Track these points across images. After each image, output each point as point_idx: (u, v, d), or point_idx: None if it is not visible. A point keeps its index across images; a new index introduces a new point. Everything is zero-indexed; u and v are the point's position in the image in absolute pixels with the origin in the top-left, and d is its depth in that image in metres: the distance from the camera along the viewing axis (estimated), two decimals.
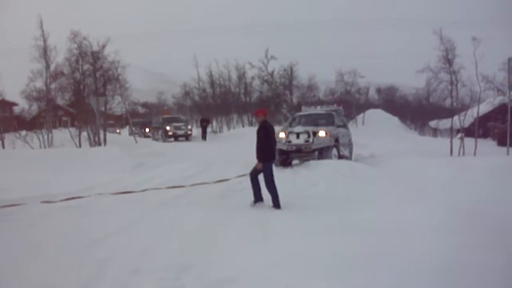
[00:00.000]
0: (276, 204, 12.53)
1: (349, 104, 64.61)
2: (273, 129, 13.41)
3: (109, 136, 37.86)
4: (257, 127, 13.31)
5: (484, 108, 45.88)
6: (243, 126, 58.71)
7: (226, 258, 7.86)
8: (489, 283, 6.71)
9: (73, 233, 9.83)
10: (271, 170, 12.99)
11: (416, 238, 8.87)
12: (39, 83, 36.51)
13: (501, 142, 40.66)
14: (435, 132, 71.77)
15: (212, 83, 60.96)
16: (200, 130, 46.45)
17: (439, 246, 8.25)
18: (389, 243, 8.50)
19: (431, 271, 7.05)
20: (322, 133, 20.25)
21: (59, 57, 36.04)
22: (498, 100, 35.88)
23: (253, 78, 60.38)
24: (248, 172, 18.35)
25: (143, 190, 15.38)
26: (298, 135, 20.54)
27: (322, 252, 8.01)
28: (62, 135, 36.02)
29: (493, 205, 11.92)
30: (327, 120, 22.70)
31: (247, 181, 16.51)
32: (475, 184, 15.00)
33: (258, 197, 12.97)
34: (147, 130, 54.50)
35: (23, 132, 35.33)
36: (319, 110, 25.05)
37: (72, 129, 35.84)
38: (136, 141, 36.36)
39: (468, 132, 39.13)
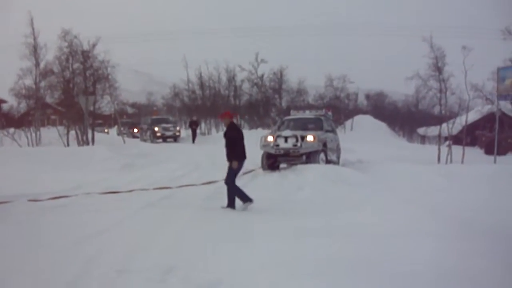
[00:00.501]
0: (231, 203, 12.92)
1: (338, 109, 64.68)
2: (241, 131, 13.71)
3: (97, 135, 37.85)
4: (225, 130, 13.64)
5: (473, 116, 46.01)
6: None
7: (211, 260, 7.87)
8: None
9: (59, 232, 9.83)
10: (239, 170, 13.35)
11: (401, 243, 8.91)
12: (29, 81, 36.50)
13: (489, 151, 40.83)
14: (423, 139, 71.92)
15: (202, 85, 60.94)
16: (190, 131, 46.22)
17: (424, 251, 8.30)
18: (374, 248, 8.53)
19: (416, 276, 7.08)
20: (310, 138, 20.28)
21: (49, 55, 36.05)
22: (486, 108, 36.25)
23: (243, 81, 60.26)
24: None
25: (130, 191, 15.38)
26: (286, 139, 20.55)
27: (306, 255, 8.05)
28: (50, 133, 35.96)
29: (480, 212, 12.01)
30: (315, 124, 22.74)
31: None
32: (462, 192, 15.12)
33: (245, 198, 12.94)
34: (135, 130, 54.41)
35: (11, 130, 35.21)
36: (308, 114, 25.04)
37: (61, 128, 35.73)
38: (124, 141, 36.33)
39: (456, 140, 39.29)
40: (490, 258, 7.88)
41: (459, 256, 7.98)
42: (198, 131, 46.23)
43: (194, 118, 47.54)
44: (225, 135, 13.36)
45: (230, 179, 12.97)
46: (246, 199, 12.88)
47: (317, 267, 7.41)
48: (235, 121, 14.39)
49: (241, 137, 13.13)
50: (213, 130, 61.37)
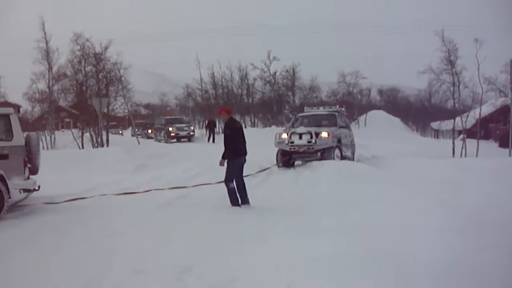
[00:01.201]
0: (233, 201, 12.84)
1: (351, 105, 64.59)
2: (241, 126, 13.67)
3: (112, 137, 37.92)
4: (225, 125, 13.40)
5: (486, 109, 45.87)
6: (245, 127, 58.64)
7: (228, 259, 7.87)
8: (490, 283, 6.71)
9: (75, 233, 9.88)
10: (236, 169, 13.03)
11: (417, 238, 8.87)
12: (42, 85, 36.74)
13: (503, 144, 40.68)
14: (437, 133, 71.70)
15: (215, 84, 60.88)
16: (206, 131, 46.08)
17: (440, 246, 8.26)
18: (390, 244, 8.50)
19: (433, 271, 7.06)
20: (324, 134, 20.29)
21: (61, 59, 36.26)
22: (500, 101, 36.05)
23: (255, 79, 60.27)
24: (250, 173, 18.45)
25: (146, 191, 15.40)
26: (300, 135, 20.56)
27: (323, 253, 8.01)
28: (64, 136, 36.14)
29: (495, 206, 11.92)
30: (329, 121, 22.75)
31: (250, 182, 16.58)
32: (477, 186, 15.01)
33: (234, 202, 12.87)
34: (149, 131, 54.50)
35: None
36: (321, 111, 25.05)
37: (75, 131, 35.86)
38: (138, 142, 36.39)
39: (470, 133, 39.18)
40: (503, 252, 7.85)
41: (473, 250, 7.93)
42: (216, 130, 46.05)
43: (212, 118, 47.35)
44: (224, 131, 13.31)
45: (228, 175, 12.87)
46: (234, 203, 12.80)
47: (334, 265, 7.39)
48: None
49: (235, 134, 12.98)
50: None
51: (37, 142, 13.68)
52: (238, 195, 12.88)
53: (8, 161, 12.16)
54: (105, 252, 8.30)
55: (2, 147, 12.16)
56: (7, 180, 11.76)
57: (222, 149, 12.89)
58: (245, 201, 12.96)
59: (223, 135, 13.29)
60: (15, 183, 12.22)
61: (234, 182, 12.88)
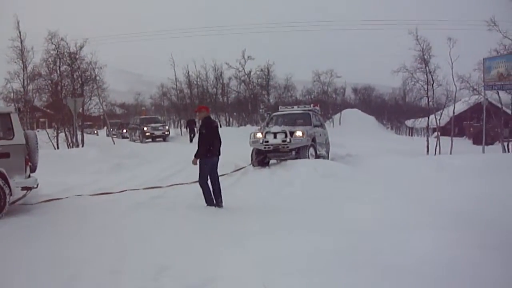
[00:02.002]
0: (208, 201, 12.83)
1: (326, 103, 64.86)
2: (216, 126, 13.57)
3: (87, 137, 37.78)
4: (200, 124, 13.47)
5: (460, 107, 46.17)
6: (220, 126, 58.62)
7: (204, 259, 7.93)
8: (471, 278, 6.82)
9: (50, 235, 9.87)
10: (208, 169, 12.92)
11: (394, 235, 9.01)
12: (17, 84, 36.39)
13: (476, 141, 41.13)
14: (412, 131, 72.20)
15: (190, 84, 60.65)
16: (187, 130, 45.72)
17: (418, 243, 8.39)
18: (365, 242, 8.62)
19: (410, 268, 7.17)
20: (299, 133, 20.36)
21: (36, 58, 35.96)
22: (473, 99, 36.28)
23: (230, 78, 60.25)
24: (226, 172, 18.50)
25: (121, 191, 15.38)
26: (275, 135, 20.63)
27: (299, 251, 8.11)
28: (39, 136, 35.75)
29: (470, 202, 12.07)
30: (304, 119, 22.87)
31: (225, 181, 16.67)
32: (451, 182, 15.15)
33: (209, 201, 12.85)
34: (124, 131, 54.37)
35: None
36: (296, 110, 25.17)
37: (50, 131, 35.60)
38: (113, 142, 36.27)
39: (444, 131, 39.52)
40: (482, 248, 7.97)
41: (453, 246, 8.07)
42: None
43: (192, 118, 47.12)
44: (199, 129, 13.32)
45: (201, 175, 12.82)
46: (210, 202, 12.79)
47: (310, 263, 7.49)
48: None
49: (211, 133, 12.87)
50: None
51: (35, 140, 13.72)
52: (213, 195, 12.84)
53: (9, 159, 12.23)
54: (81, 253, 8.32)
55: (3, 146, 12.22)
56: (8, 179, 11.81)
57: (196, 149, 12.88)
58: (218, 203, 12.85)
59: (199, 134, 13.15)
60: (17, 182, 12.27)
61: (209, 182, 12.85)
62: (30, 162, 13.13)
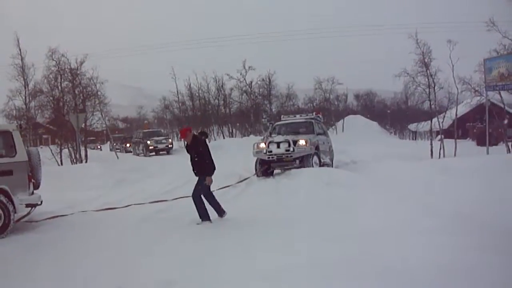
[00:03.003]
0: (204, 216, 12.45)
1: (328, 111, 64.85)
2: (202, 141, 13.18)
3: (90, 152, 37.75)
4: (190, 144, 12.87)
5: (462, 109, 46.30)
6: (223, 137, 58.60)
7: (209, 273, 7.90)
8: (477, 283, 6.78)
9: (56, 252, 9.86)
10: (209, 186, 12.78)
11: (401, 241, 8.97)
12: (19, 102, 36.46)
13: (480, 142, 41.05)
14: (415, 135, 72.18)
15: (191, 96, 60.60)
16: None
17: (426, 248, 8.35)
18: (373, 248, 8.58)
19: (420, 273, 7.12)
20: (302, 142, 20.33)
21: (37, 75, 36.03)
22: (475, 101, 36.33)
23: (232, 89, 60.17)
24: (230, 183, 18.43)
25: (126, 206, 15.39)
26: (278, 144, 20.62)
27: (305, 260, 8.08)
28: (43, 153, 35.76)
29: (476, 205, 12.03)
30: (306, 128, 22.84)
31: (230, 193, 16.62)
32: (457, 185, 15.10)
33: (205, 216, 12.44)
34: (128, 145, 54.37)
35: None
36: (298, 118, 25.14)
37: (53, 147, 35.62)
38: (117, 157, 36.29)
39: (447, 133, 39.47)
40: (486, 251, 7.93)
41: (455, 251, 8.03)
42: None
43: (204, 130, 46.57)
44: (191, 149, 12.83)
45: (198, 193, 12.57)
46: (206, 217, 12.39)
47: (318, 272, 7.46)
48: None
49: (208, 149, 12.80)
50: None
51: (38, 157, 13.73)
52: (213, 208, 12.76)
53: (12, 177, 12.25)
54: (87, 269, 8.31)
55: (6, 163, 12.24)
56: (12, 196, 11.82)
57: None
58: (221, 213, 12.81)
59: (194, 152, 12.72)
60: (21, 199, 12.28)
61: (203, 197, 12.65)
62: (33, 179, 13.14)
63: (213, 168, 12.70)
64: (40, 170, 13.76)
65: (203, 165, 12.61)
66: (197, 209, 12.51)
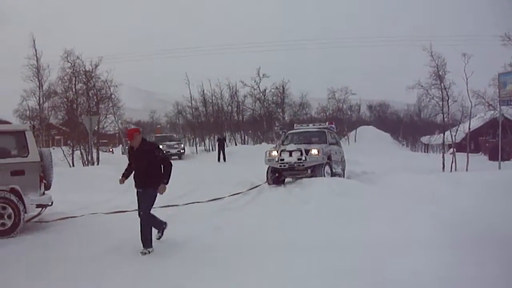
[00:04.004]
0: (160, 225, 11.13)
1: (341, 121, 64.79)
2: (157, 145, 11.82)
3: (102, 155, 37.87)
4: (137, 148, 10.75)
5: (475, 123, 46.11)
6: (235, 144, 58.67)
7: (221, 279, 7.90)
8: None
9: (65, 253, 9.89)
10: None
11: (411, 254, 8.93)
12: (32, 102, 36.69)
13: (493, 157, 40.87)
14: (427, 147, 71.99)
15: (205, 102, 60.71)
16: (216, 149, 43.28)
17: (436, 262, 8.31)
18: (381, 261, 8.55)
19: (429, 286, 7.10)
20: (314, 151, 20.29)
21: (52, 76, 36.21)
22: (489, 115, 36.27)
23: (245, 96, 60.37)
24: (242, 190, 18.42)
25: (136, 210, 15.41)
26: (290, 153, 20.57)
27: (315, 271, 8.08)
28: (55, 154, 35.93)
29: (489, 221, 11.96)
30: (319, 137, 22.81)
31: (241, 200, 16.62)
32: (468, 199, 15.03)
33: (160, 224, 11.12)
34: None
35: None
36: (311, 127, 25.12)
37: (65, 148, 35.75)
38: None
39: (460, 147, 39.32)
40: (499, 266, 7.89)
41: (469, 265, 7.99)
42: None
43: (222, 135, 45.55)
44: (139, 155, 10.70)
45: (148, 209, 10.69)
46: (160, 225, 11.09)
47: (327, 284, 7.45)
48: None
49: (158, 156, 10.89)
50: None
51: (50, 158, 13.81)
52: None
53: (24, 176, 12.35)
54: (96, 272, 8.32)
55: (18, 163, 12.35)
56: (23, 196, 11.88)
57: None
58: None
59: (141, 158, 10.64)
60: (32, 199, 12.36)
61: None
62: (44, 179, 13.21)
63: (169, 177, 10.87)
64: (52, 171, 13.83)
65: (155, 175, 10.71)
66: (155, 227, 10.90)
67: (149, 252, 10.02)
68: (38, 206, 12.80)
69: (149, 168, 10.58)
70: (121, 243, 10.78)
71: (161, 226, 11.11)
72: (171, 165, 11.01)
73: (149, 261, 9.24)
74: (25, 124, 13.44)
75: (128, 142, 11.12)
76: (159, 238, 11.00)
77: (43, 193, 13.09)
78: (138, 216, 10.63)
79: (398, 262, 8.37)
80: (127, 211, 15.24)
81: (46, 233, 12.07)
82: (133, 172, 10.96)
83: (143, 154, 10.60)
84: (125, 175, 11.31)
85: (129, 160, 11.39)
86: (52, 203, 13.16)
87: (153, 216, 10.87)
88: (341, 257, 8.83)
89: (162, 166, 10.82)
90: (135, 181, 10.87)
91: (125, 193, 20.10)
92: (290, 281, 7.59)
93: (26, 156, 12.45)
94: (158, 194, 10.73)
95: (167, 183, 10.77)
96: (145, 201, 10.65)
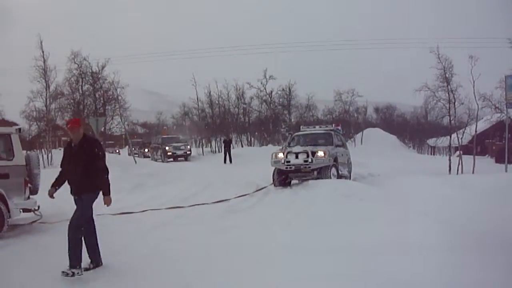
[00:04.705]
0: (98, 258, 9.14)
1: (347, 123, 64.71)
2: (99, 142, 9.74)
3: (109, 156, 37.88)
4: (77, 144, 9.03)
5: (482, 125, 45.86)
6: (242, 146, 58.71)
7: (226, 280, 7.91)
8: None
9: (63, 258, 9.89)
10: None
11: (416, 257, 8.92)
12: (39, 103, 36.77)
13: (499, 159, 40.75)
14: (434, 150, 71.82)
15: (211, 103, 60.78)
16: (222, 151, 43.61)
17: (441, 265, 8.31)
18: (389, 263, 8.55)
19: None
20: (321, 153, 20.26)
21: (59, 77, 36.29)
22: (495, 117, 36.10)
23: (252, 98, 60.43)
24: (248, 192, 18.42)
25: (143, 211, 15.43)
26: (297, 155, 20.54)
27: (318, 273, 8.08)
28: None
29: (494, 224, 11.95)
30: (325, 139, 22.79)
31: (247, 202, 16.62)
32: (474, 202, 15.02)
33: (77, 260, 8.53)
34: (146, 150, 54.54)
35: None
36: (317, 129, 25.10)
37: None
38: (135, 161, 36.39)
39: (466, 149, 39.26)
40: (504, 270, 7.88)
41: (474, 269, 7.98)
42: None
43: (229, 137, 45.45)
44: (79, 152, 8.94)
45: (80, 222, 8.91)
46: (76, 260, 8.47)
47: (332, 284, 7.45)
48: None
49: (97, 156, 9.03)
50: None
51: (37, 162, 13.73)
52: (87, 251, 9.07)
53: (8, 180, 12.28)
54: (102, 273, 8.33)
55: (3, 167, 12.27)
56: (7, 200, 11.86)
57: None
58: (98, 260, 9.13)
59: (83, 160, 8.87)
60: (16, 203, 12.32)
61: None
62: (30, 183, 13.13)
63: (109, 184, 9.15)
64: (39, 176, 13.71)
65: (94, 179, 8.93)
66: (70, 248, 8.60)
67: (73, 274, 8.26)
68: (25, 210, 12.79)
69: (89, 170, 8.76)
70: (122, 247, 10.77)
71: (77, 253, 8.54)
72: (107, 171, 9.09)
73: (152, 261, 9.24)
74: (12, 127, 13.29)
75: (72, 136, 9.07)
76: (88, 269, 8.80)
77: (28, 197, 13.03)
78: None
79: (403, 265, 8.36)
80: (133, 212, 15.28)
81: (49, 235, 12.08)
82: (69, 177, 9.20)
83: (82, 154, 8.81)
84: (57, 184, 9.51)
85: (62, 162, 9.59)
86: (38, 207, 13.06)
87: (81, 233, 8.85)
88: (348, 260, 8.83)
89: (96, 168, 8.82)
90: (71, 187, 9.13)
91: (131, 194, 20.24)
92: (295, 283, 7.59)
93: (11, 160, 12.43)
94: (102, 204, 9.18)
95: (107, 193, 9.05)
96: (78, 209, 8.99)
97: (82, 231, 8.78)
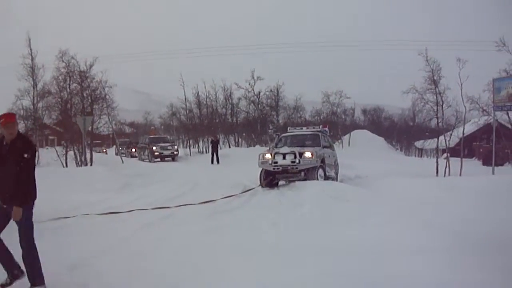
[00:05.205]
0: (40, 278, 7.56)
1: (335, 124, 64.76)
2: (33, 146, 7.79)
3: (96, 156, 37.82)
4: (9, 143, 7.45)
5: (469, 128, 46.14)
6: (229, 146, 58.65)
7: (212, 280, 7.89)
8: None
9: (57, 254, 9.81)
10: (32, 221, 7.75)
11: (401, 259, 8.92)
12: (27, 102, 36.59)
13: (486, 162, 40.92)
14: (421, 152, 72.06)
15: (199, 104, 60.67)
16: (210, 152, 42.95)
17: (426, 267, 8.31)
18: (372, 265, 8.54)
19: None
20: (308, 154, 20.28)
21: (46, 76, 36.14)
22: (483, 120, 36.20)
23: (239, 98, 60.34)
24: (235, 193, 18.40)
25: (129, 211, 15.37)
26: (284, 155, 20.54)
27: (307, 274, 8.07)
28: (48, 154, 35.95)
29: (479, 225, 11.96)
30: (313, 140, 22.80)
31: (234, 202, 16.61)
32: (461, 204, 15.04)
33: (15, 266, 7.64)
34: (133, 150, 54.41)
35: None
36: (305, 131, 25.13)
37: (59, 148, 35.71)
38: (122, 161, 36.36)
39: (454, 152, 39.35)
40: (490, 271, 7.89)
41: (460, 270, 7.99)
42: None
43: (216, 138, 45.11)
44: (11, 153, 7.36)
45: (29, 235, 7.67)
46: (40, 277, 7.53)
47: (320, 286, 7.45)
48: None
49: (34, 160, 7.87)
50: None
51: None
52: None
53: None
54: (86, 274, 8.28)
55: None
56: None
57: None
58: (20, 272, 7.65)
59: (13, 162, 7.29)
60: None
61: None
62: None
63: (34, 193, 7.74)
64: None
65: (29, 184, 7.54)
66: (28, 266, 7.58)
67: None
68: None
69: (21, 175, 7.31)
70: (109, 247, 10.71)
71: (39, 275, 7.58)
72: (32, 178, 7.61)
73: (138, 261, 9.20)
74: None
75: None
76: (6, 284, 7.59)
77: None
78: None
79: (390, 266, 8.36)
80: (119, 212, 15.23)
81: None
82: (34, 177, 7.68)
83: (15, 154, 7.31)
84: None
85: None
86: None
87: (36, 248, 7.73)
88: (335, 260, 8.83)
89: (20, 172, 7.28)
90: None
91: (118, 194, 20.22)
92: (282, 283, 7.57)
93: None
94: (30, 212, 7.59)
95: (20, 203, 7.31)
96: (23, 226, 7.49)
97: (34, 244, 7.64)
